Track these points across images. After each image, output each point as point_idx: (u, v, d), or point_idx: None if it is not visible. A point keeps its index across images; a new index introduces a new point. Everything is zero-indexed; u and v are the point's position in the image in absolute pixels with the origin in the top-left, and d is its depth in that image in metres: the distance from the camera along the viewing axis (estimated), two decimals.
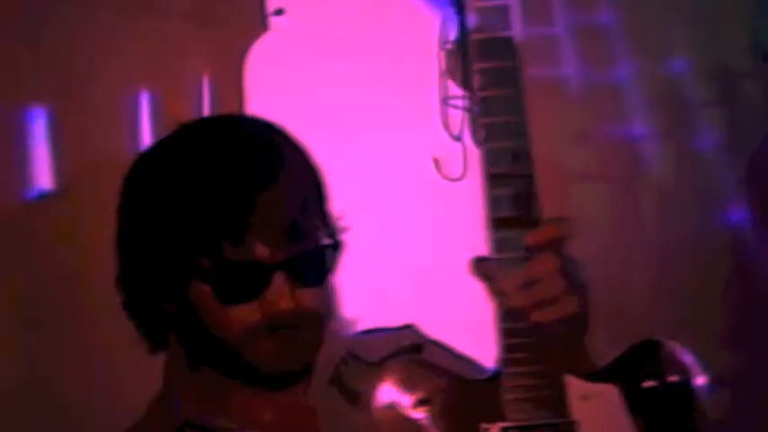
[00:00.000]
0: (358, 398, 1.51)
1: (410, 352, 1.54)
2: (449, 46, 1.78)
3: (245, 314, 1.42)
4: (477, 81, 1.49)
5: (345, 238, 1.54)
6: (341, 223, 1.54)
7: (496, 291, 1.49)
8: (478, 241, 1.81)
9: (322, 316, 1.48)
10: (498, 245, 1.49)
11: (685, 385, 1.50)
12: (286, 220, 1.44)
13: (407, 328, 1.62)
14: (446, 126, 1.79)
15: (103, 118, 1.90)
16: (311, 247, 1.46)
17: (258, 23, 1.87)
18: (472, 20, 1.53)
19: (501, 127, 1.49)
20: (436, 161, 1.80)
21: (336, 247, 1.51)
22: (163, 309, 1.47)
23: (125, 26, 1.83)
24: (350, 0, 1.94)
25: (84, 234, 1.85)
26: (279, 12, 1.86)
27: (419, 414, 1.49)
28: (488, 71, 1.51)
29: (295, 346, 1.45)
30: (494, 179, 1.49)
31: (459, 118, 1.76)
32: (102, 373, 1.84)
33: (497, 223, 1.48)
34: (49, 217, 1.83)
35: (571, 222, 1.49)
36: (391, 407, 1.49)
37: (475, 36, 1.53)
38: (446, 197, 1.86)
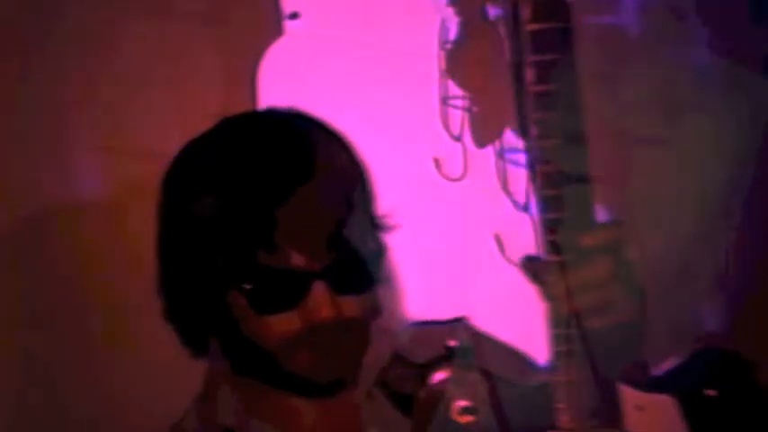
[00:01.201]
0: (403, 401, 1.45)
1: (458, 355, 1.49)
2: (449, 46, 1.78)
3: (285, 323, 1.35)
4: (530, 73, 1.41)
5: (393, 237, 1.47)
6: (389, 222, 1.46)
7: (547, 294, 1.40)
8: (480, 241, 1.81)
9: (365, 324, 1.40)
10: (551, 246, 1.39)
11: (750, 395, 1.39)
12: (326, 222, 1.36)
13: (459, 320, 1.55)
14: (446, 126, 1.79)
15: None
16: (354, 254, 1.38)
17: (271, 25, 1.86)
18: None
19: (555, 123, 1.38)
20: (436, 161, 1.79)
21: (381, 251, 1.44)
22: (203, 316, 1.41)
23: (137, 27, 1.82)
24: (352, 1, 1.94)
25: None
26: (294, 15, 1.85)
27: (463, 421, 1.46)
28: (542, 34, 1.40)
29: (336, 356, 1.37)
30: (546, 178, 1.38)
31: (458, 118, 1.76)
32: (126, 377, 1.82)
33: (550, 224, 1.38)
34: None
35: (628, 225, 1.43)
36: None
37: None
38: (445, 197, 1.86)
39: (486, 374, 1.45)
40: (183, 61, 1.80)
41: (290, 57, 1.83)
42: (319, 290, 1.34)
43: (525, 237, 1.79)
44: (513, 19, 1.37)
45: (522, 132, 1.42)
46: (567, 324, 1.38)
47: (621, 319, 1.37)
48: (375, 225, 1.44)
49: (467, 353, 1.46)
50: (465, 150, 1.80)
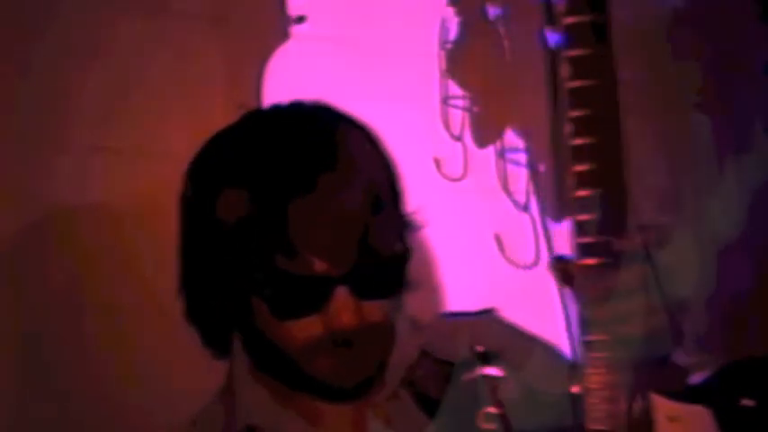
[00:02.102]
0: (428, 403, 1.42)
1: (486, 360, 1.40)
2: (449, 46, 1.78)
3: (306, 329, 1.31)
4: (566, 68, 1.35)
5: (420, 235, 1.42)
6: (416, 218, 1.41)
7: (576, 299, 1.34)
8: (480, 241, 1.81)
9: (389, 328, 1.36)
10: (582, 249, 1.33)
11: None
12: (349, 224, 1.31)
13: (488, 312, 1.52)
14: (446, 126, 1.79)
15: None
16: (379, 257, 1.33)
17: (274, 26, 1.86)
18: None
19: (590, 121, 1.32)
20: (437, 161, 1.79)
21: (408, 253, 1.38)
22: (225, 317, 1.38)
23: (137, 27, 1.82)
24: (352, 1, 1.94)
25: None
26: (300, 19, 1.84)
27: (487, 427, 1.42)
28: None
29: (358, 362, 1.34)
30: (580, 179, 1.33)
31: (459, 118, 1.76)
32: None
33: (582, 227, 1.33)
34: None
35: (665, 229, 1.39)
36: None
37: None
38: (446, 196, 1.86)
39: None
40: (185, 61, 1.80)
41: (292, 57, 1.83)
42: (341, 295, 1.31)
43: (525, 237, 1.79)
44: (547, 11, 1.35)
45: (555, 134, 1.39)
46: (595, 330, 1.32)
47: (651, 329, 1.32)
48: (403, 224, 1.39)
49: (494, 357, 1.41)
50: (465, 150, 1.79)
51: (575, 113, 1.31)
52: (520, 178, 1.75)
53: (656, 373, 1.34)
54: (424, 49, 1.82)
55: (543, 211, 1.77)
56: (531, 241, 1.78)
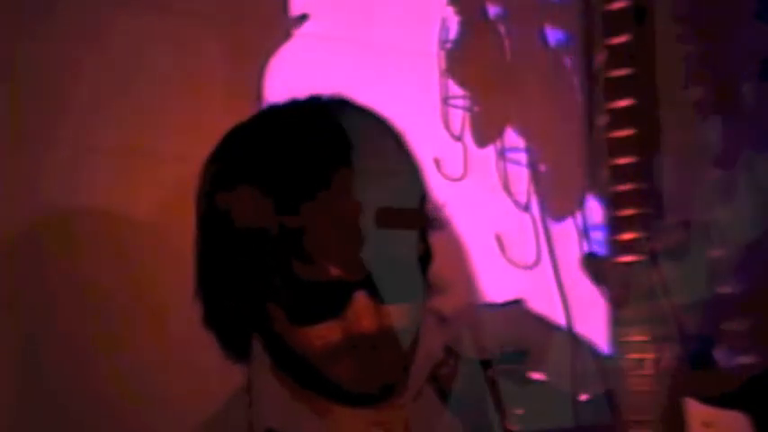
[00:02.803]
0: (453, 400, 1.37)
1: (511, 360, 1.36)
2: (449, 45, 1.78)
3: (325, 334, 1.27)
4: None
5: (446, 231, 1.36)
6: (441, 214, 1.36)
7: (609, 297, 1.30)
8: (481, 241, 1.81)
9: (411, 332, 1.31)
10: (616, 247, 1.29)
11: None
12: (367, 225, 1.25)
13: (516, 303, 1.50)
14: (447, 126, 1.79)
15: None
16: (400, 259, 1.28)
17: (276, 24, 1.85)
18: None
19: (626, 112, 1.28)
20: (437, 161, 1.79)
21: (430, 253, 1.33)
22: (243, 322, 1.34)
23: (136, 23, 1.82)
24: (353, 0, 1.94)
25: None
26: (302, 18, 1.83)
27: (514, 429, 1.38)
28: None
29: (379, 367, 1.29)
30: (616, 173, 1.28)
31: (459, 117, 1.76)
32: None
33: (616, 223, 1.28)
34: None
35: (702, 226, 1.35)
36: None
37: None
38: (446, 196, 1.86)
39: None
40: (185, 60, 1.80)
41: (293, 56, 1.83)
42: (360, 300, 1.26)
43: (526, 237, 1.79)
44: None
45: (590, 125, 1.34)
46: (628, 331, 1.28)
47: (688, 326, 1.27)
48: (426, 223, 1.34)
49: (519, 358, 1.38)
50: (465, 150, 1.79)
51: (613, 104, 1.27)
52: (520, 178, 1.75)
53: (695, 375, 1.30)
54: (424, 48, 1.82)
55: (544, 211, 1.77)
56: (533, 241, 1.77)
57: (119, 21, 1.74)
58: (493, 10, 1.79)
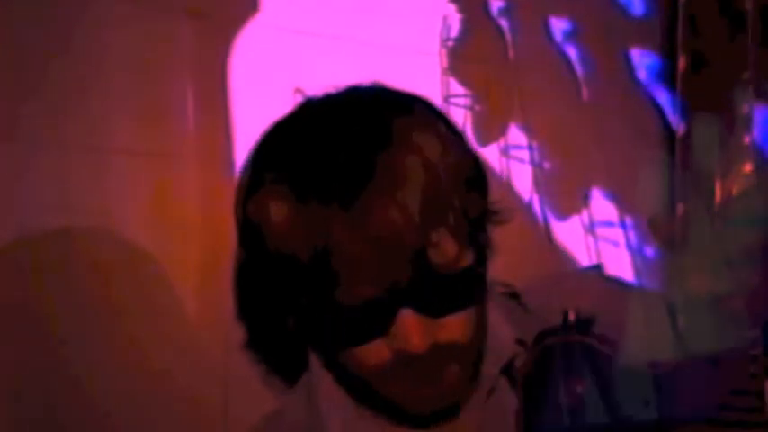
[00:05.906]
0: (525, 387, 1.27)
1: (577, 329, 1.18)
2: (450, 43, 1.77)
3: (374, 354, 1.15)
4: None
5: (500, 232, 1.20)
6: (497, 210, 1.20)
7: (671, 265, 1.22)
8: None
9: (469, 345, 1.17)
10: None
11: None
12: (408, 232, 1.12)
13: (595, 267, 1.44)
14: None
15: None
16: (445, 272, 1.14)
17: (244, 16, 1.84)
18: None
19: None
20: None
21: (483, 263, 1.18)
22: (287, 345, 1.24)
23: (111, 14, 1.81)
24: None
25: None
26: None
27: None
28: None
29: (437, 384, 1.17)
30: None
31: (461, 116, 1.76)
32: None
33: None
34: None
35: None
36: None
37: None
38: None
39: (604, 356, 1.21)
40: (152, 52, 1.78)
41: (290, 55, 1.82)
42: (406, 318, 1.13)
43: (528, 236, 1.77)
44: None
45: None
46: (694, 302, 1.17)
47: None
48: (482, 222, 1.19)
49: (586, 326, 1.21)
50: None
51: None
52: (523, 176, 1.74)
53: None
54: (426, 46, 1.81)
55: (546, 208, 1.76)
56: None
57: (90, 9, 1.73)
58: (495, 5, 1.78)
